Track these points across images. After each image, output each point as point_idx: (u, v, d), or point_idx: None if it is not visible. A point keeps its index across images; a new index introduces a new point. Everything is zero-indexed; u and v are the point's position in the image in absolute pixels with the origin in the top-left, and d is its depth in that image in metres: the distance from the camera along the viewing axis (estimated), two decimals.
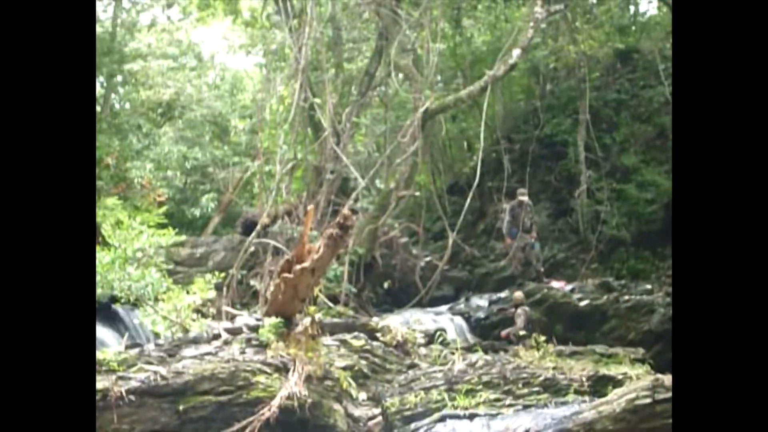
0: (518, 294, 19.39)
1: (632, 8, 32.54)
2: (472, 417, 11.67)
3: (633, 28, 30.95)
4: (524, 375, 12.86)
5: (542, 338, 15.95)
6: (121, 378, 10.61)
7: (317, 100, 22.92)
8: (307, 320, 12.63)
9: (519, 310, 18.69)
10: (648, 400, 10.33)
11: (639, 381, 11.47)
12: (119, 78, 30.80)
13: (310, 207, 15.45)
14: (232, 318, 15.20)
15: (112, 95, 31.22)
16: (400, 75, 25.33)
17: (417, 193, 24.26)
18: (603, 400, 10.97)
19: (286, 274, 12.61)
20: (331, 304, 18.55)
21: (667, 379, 10.86)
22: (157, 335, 13.89)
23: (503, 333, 18.59)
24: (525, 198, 22.63)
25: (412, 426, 11.69)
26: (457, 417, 11.67)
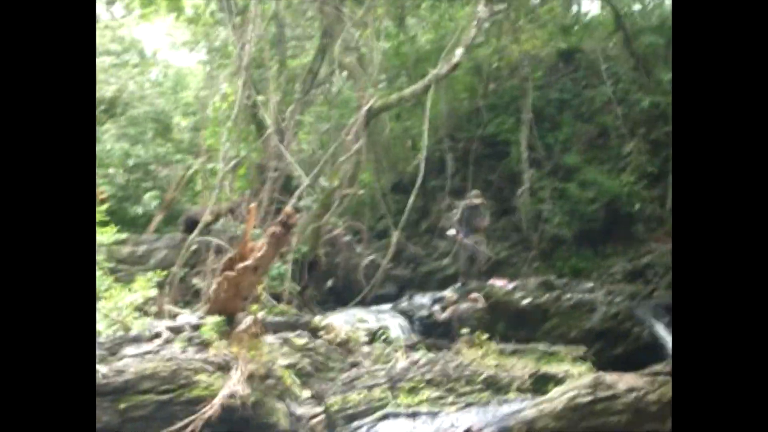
0: (450, 295, 19.55)
1: (575, 8, 32.80)
2: (414, 415, 11.68)
3: (575, 27, 31.18)
4: (467, 373, 12.91)
5: (484, 336, 16.01)
6: None
7: (260, 98, 22.86)
8: (249, 318, 12.58)
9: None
10: (589, 398, 10.40)
11: (580, 379, 11.55)
12: None
13: (253, 205, 15.37)
14: (174, 316, 15.09)
15: None
16: (344, 73, 25.33)
17: (361, 192, 24.27)
18: (544, 398, 11.03)
19: (228, 272, 12.55)
20: (274, 303, 18.50)
21: (608, 376, 10.95)
22: (97, 334, 13.75)
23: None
24: (477, 200, 22.69)
25: (355, 424, 11.67)
26: (400, 415, 11.68)
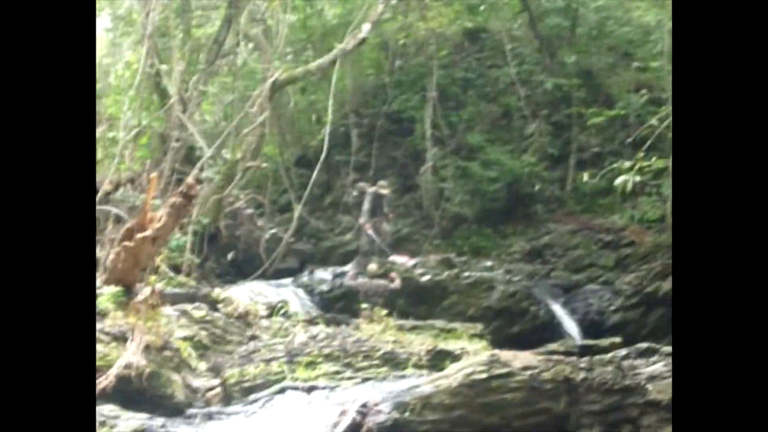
0: (372, 267, 19.60)
1: None
2: (311, 389, 11.69)
3: (482, 7, 31.29)
4: (365, 348, 12.95)
5: (383, 312, 16.09)
6: None
7: (164, 67, 22.57)
8: (147, 289, 12.45)
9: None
10: (484, 375, 10.50)
11: (476, 356, 11.67)
12: None
13: (153, 175, 15.20)
14: None
15: None
16: (250, 44, 25.14)
17: (264, 165, 24.13)
18: (441, 374, 11.11)
19: (126, 243, 12.41)
20: (173, 274, 18.33)
21: (504, 354, 11.08)
22: None
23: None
24: (385, 191, 22.70)
25: (251, 397, 11.64)
26: (297, 389, 11.68)
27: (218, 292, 16.18)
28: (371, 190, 22.71)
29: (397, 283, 18.70)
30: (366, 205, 22.46)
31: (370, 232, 21.94)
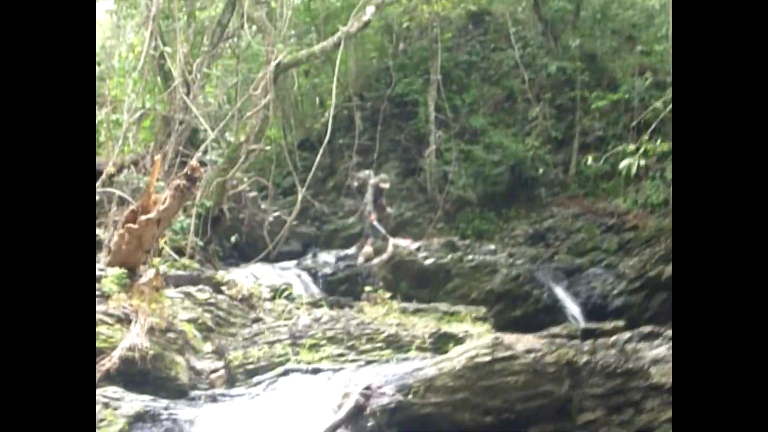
0: (368, 250, 19.66)
1: None
2: (315, 371, 11.72)
3: None
4: (368, 331, 12.98)
5: (387, 295, 16.10)
6: None
7: (168, 49, 22.53)
8: (151, 272, 12.46)
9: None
10: (487, 358, 10.54)
11: (479, 339, 11.70)
12: None
13: (157, 157, 15.21)
14: None
15: None
16: (254, 27, 25.09)
17: (267, 148, 24.13)
18: (444, 356, 11.14)
19: (130, 225, 12.41)
20: (176, 257, 18.33)
21: (507, 337, 11.10)
22: None
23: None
24: (385, 185, 22.70)
25: (255, 379, 11.67)
26: (300, 371, 11.71)
27: (222, 274, 16.19)
28: (372, 181, 22.72)
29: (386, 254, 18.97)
30: (369, 197, 22.48)
31: (375, 223, 21.95)
